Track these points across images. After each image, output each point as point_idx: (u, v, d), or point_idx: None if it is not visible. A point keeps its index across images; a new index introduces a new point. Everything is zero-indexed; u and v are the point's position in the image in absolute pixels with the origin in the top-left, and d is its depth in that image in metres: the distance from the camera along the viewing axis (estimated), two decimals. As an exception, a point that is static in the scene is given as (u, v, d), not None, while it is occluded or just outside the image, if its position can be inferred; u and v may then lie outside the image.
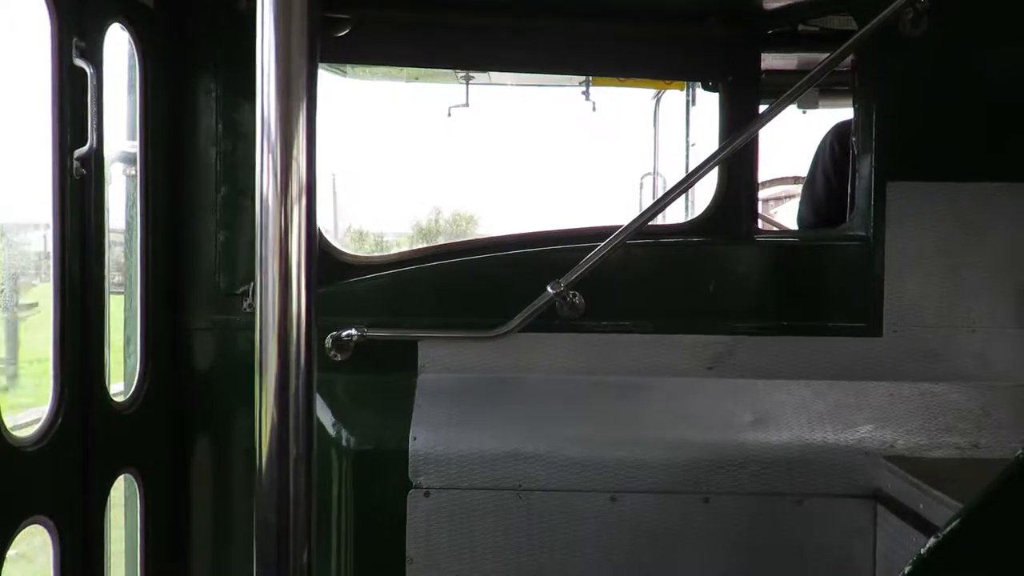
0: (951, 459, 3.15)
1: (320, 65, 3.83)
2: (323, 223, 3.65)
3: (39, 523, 2.61)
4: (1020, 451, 1.77)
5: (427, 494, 3.22)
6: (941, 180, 3.35)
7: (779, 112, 3.46)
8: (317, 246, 1.28)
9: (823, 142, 4.45)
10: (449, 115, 7.39)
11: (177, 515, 3.46)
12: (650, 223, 3.52)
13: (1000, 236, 3.35)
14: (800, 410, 3.29)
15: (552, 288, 3.30)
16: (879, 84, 3.37)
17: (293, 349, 1.21)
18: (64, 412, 2.67)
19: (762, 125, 3.47)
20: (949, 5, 3.24)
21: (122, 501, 3.35)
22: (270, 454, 1.20)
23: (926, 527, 2.73)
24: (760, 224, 4.75)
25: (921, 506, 2.81)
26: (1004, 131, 3.33)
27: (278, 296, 1.20)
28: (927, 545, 1.81)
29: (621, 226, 3.38)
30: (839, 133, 4.28)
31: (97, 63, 2.75)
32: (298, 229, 1.22)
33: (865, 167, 3.38)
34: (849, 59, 3.51)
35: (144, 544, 3.26)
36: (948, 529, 1.78)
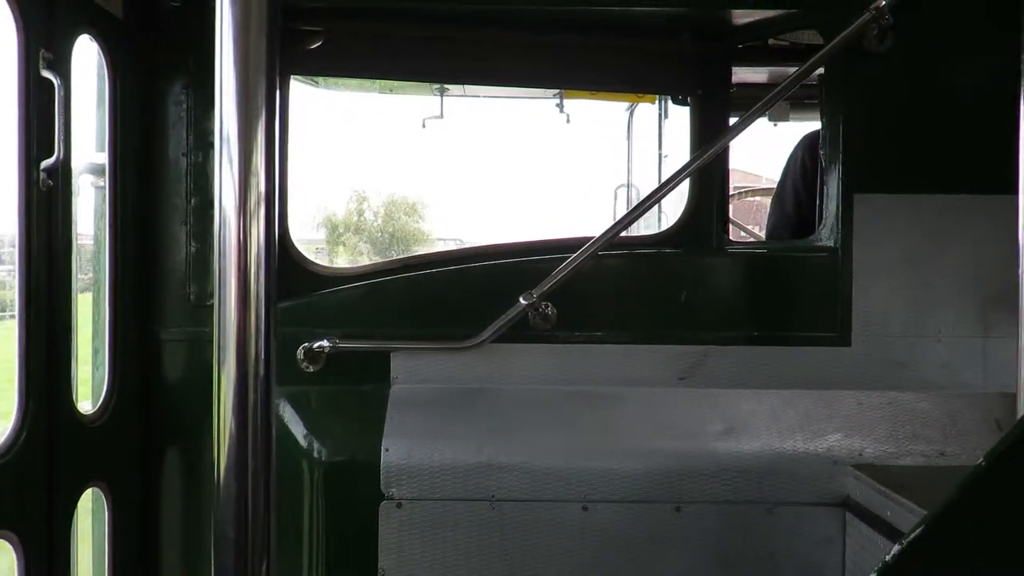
0: (918, 467, 3.19)
1: (292, 77, 3.83)
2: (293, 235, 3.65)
3: (3, 538, 2.58)
4: (982, 460, 1.80)
5: (399, 505, 3.21)
6: (907, 192, 3.40)
7: (749, 125, 3.50)
8: (276, 258, 1.28)
9: (793, 154, 4.50)
10: (424, 127, 7.40)
11: (146, 529, 3.42)
12: (622, 234, 3.55)
13: (965, 247, 3.40)
14: (770, 419, 3.32)
15: (525, 299, 3.31)
16: (846, 98, 3.42)
17: (252, 362, 1.21)
18: (30, 424, 2.64)
19: (732, 137, 3.51)
20: (912, 22, 3.30)
21: (89, 514, 3.32)
22: (228, 467, 1.20)
23: (893, 534, 2.76)
24: (733, 232, 4.79)
25: (888, 513, 2.84)
26: (968, 143, 3.39)
27: (237, 309, 1.20)
28: (891, 552, 1.83)
29: (594, 237, 3.40)
30: (809, 145, 4.32)
31: (65, 74, 2.73)
32: (257, 241, 1.22)
33: (832, 179, 3.43)
34: (818, 73, 3.57)
35: (112, 559, 3.22)
36: (912, 536, 1.80)
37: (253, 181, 1.21)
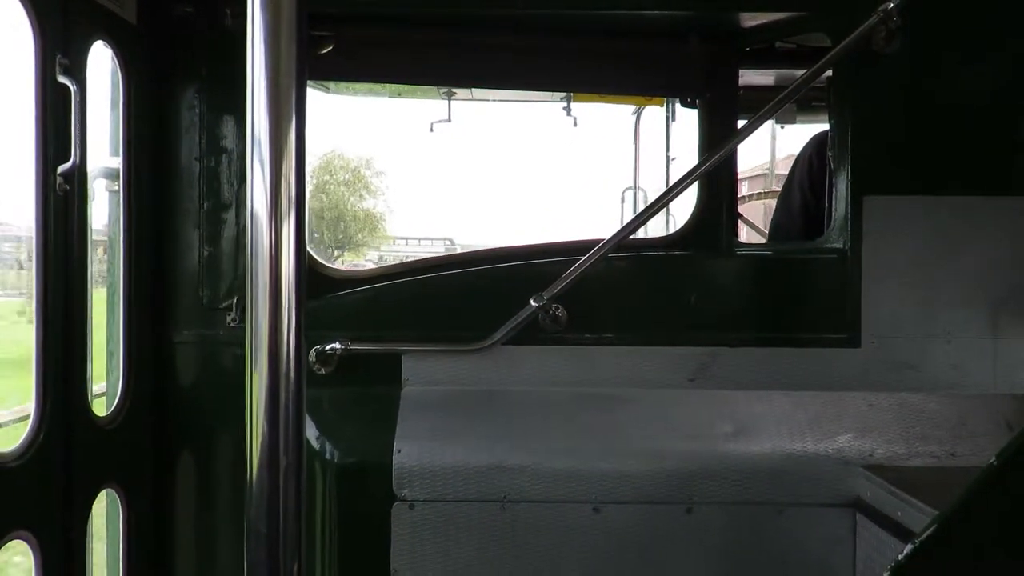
0: (929, 467, 3.20)
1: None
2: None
3: (21, 538, 2.60)
4: (993, 459, 1.81)
5: (412, 506, 3.23)
6: (916, 194, 3.41)
7: (757, 127, 3.52)
8: (306, 260, 1.30)
9: (802, 153, 4.51)
10: (432, 130, 7.43)
11: (160, 531, 3.45)
12: (631, 237, 3.56)
13: (974, 248, 3.41)
14: (781, 421, 3.33)
15: (535, 301, 3.33)
16: (854, 100, 3.43)
17: (284, 361, 1.23)
18: (46, 426, 2.66)
19: (740, 140, 3.53)
20: (920, 23, 3.31)
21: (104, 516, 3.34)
22: (261, 464, 1.22)
23: (904, 534, 2.77)
24: (745, 231, 4.80)
25: (899, 514, 2.85)
26: (976, 145, 3.40)
27: (269, 309, 1.22)
28: (904, 552, 1.84)
29: (603, 240, 3.42)
30: (819, 145, 4.33)
31: (80, 80, 2.76)
32: (288, 244, 1.24)
33: (841, 181, 3.44)
34: (826, 75, 3.58)
35: (127, 560, 3.24)
36: (924, 536, 1.82)
37: (284, 185, 1.24)
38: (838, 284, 3.43)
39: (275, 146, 1.22)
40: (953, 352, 3.40)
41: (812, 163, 4.33)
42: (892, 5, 3.22)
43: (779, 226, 4.54)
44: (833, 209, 3.51)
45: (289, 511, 1.21)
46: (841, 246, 3.44)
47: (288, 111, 1.23)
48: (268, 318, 1.22)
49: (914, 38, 3.31)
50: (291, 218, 1.24)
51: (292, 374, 1.23)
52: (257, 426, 1.22)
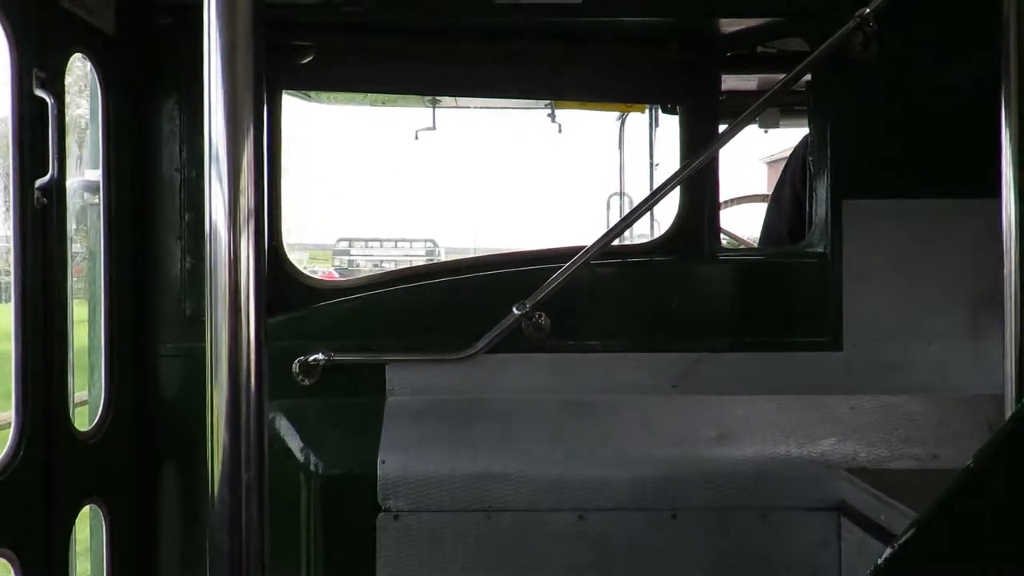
0: (911, 470, 3.21)
1: (284, 91, 3.84)
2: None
3: (2, 556, 2.58)
4: (970, 461, 1.82)
5: (396, 517, 3.22)
6: (895, 198, 3.43)
7: (739, 132, 3.53)
8: (266, 270, 1.30)
9: (795, 151, 4.52)
10: (416, 138, 7.42)
11: (144, 546, 3.43)
12: (614, 243, 3.57)
13: (954, 251, 3.43)
14: (764, 425, 3.34)
15: (518, 309, 3.33)
16: (833, 105, 3.45)
17: (244, 373, 1.23)
18: (26, 442, 2.64)
19: (721, 145, 3.54)
20: (897, 29, 3.34)
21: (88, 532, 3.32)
22: (222, 479, 1.22)
23: (888, 538, 2.77)
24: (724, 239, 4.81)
25: (883, 517, 2.86)
26: (954, 148, 3.42)
27: (228, 322, 1.22)
28: (883, 556, 1.84)
29: (586, 246, 3.42)
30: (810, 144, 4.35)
31: (58, 93, 2.75)
32: (247, 255, 1.24)
33: (821, 185, 3.46)
34: (806, 80, 3.60)
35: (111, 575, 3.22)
36: (902, 540, 1.82)
37: (242, 198, 1.23)
38: (819, 288, 3.44)
39: (233, 159, 1.22)
40: (934, 354, 3.42)
41: (805, 160, 4.34)
42: (868, 11, 3.24)
43: (772, 226, 4.54)
44: (814, 213, 3.53)
45: (252, 526, 1.21)
46: (822, 250, 3.45)
47: (246, 124, 1.23)
48: (228, 330, 1.22)
49: (891, 43, 3.33)
50: (250, 229, 1.24)
51: (253, 387, 1.23)
52: (218, 439, 1.22)
